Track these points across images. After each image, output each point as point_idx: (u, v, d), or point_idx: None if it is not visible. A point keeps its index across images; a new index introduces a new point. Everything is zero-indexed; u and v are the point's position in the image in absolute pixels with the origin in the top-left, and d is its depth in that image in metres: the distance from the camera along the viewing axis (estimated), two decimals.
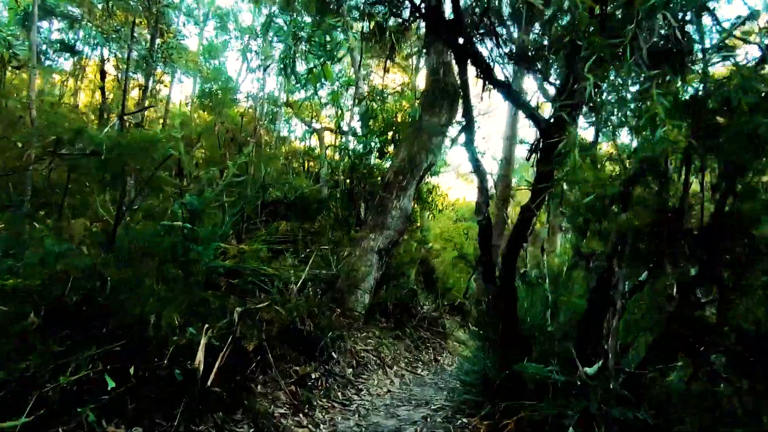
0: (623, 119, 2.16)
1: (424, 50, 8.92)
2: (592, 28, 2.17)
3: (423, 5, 3.71)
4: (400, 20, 4.34)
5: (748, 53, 2.80)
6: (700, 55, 2.89)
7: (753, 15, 2.64)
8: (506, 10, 3.30)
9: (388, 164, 10.18)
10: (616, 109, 2.16)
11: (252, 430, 3.85)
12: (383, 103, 11.05)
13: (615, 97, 2.09)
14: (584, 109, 3.44)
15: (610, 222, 2.55)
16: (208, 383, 3.81)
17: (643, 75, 2.02)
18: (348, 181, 11.19)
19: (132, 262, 4.16)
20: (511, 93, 3.50)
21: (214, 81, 16.66)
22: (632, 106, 2.10)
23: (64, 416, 2.68)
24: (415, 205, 10.13)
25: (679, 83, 2.60)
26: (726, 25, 2.85)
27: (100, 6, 11.05)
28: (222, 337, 4.24)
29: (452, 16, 3.45)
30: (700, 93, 2.12)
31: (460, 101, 8.56)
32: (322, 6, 4.17)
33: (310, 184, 11.84)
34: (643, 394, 3.58)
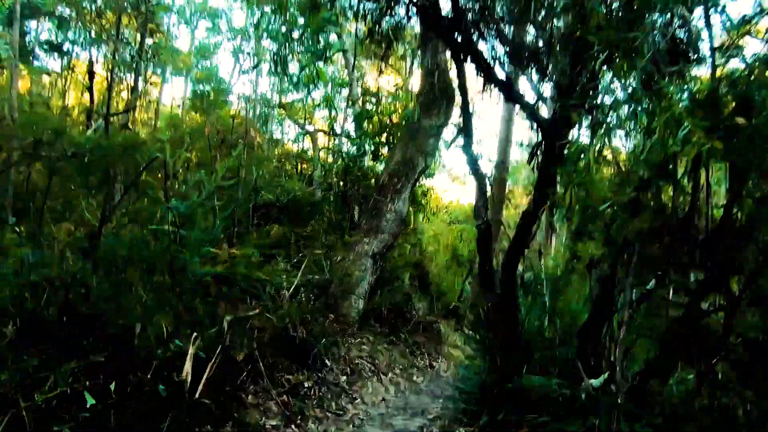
0: (635, 118, 2.04)
1: (419, 51, 8.80)
2: (604, 23, 2.05)
3: (419, 1, 3.58)
4: (394, 20, 4.20)
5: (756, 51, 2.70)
6: (703, 53, 2.80)
7: (763, 11, 2.54)
8: (507, 5, 3.17)
9: (382, 167, 10.04)
10: (626, 108, 2.04)
11: None
12: (377, 104, 10.92)
13: (626, 95, 1.97)
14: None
15: (619, 228, 2.43)
16: (197, 395, 3.65)
17: (660, 71, 1.91)
18: (341, 183, 11.03)
19: (117, 269, 3.98)
20: (513, 93, 3.38)
21: (206, 82, 16.47)
22: (644, 104, 1.98)
23: None
24: (410, 208, 9.99)
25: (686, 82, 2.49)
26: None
27: (88, 5, 10.84)
28: (211, 346, 4.08)
29: (451, 13, 3.34)
30: (721, 90, 2.01)
31: (457, 102, 8.50)
32: (314, 4, 4.03)
33: (303, 187, 11.66)
34: (647, 405, 3.47)
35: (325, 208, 10.66)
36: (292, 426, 4.35)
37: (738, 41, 2.61)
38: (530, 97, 3.37)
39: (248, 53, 16.09)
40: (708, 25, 2.66)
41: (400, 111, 10.94)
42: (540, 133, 3.21)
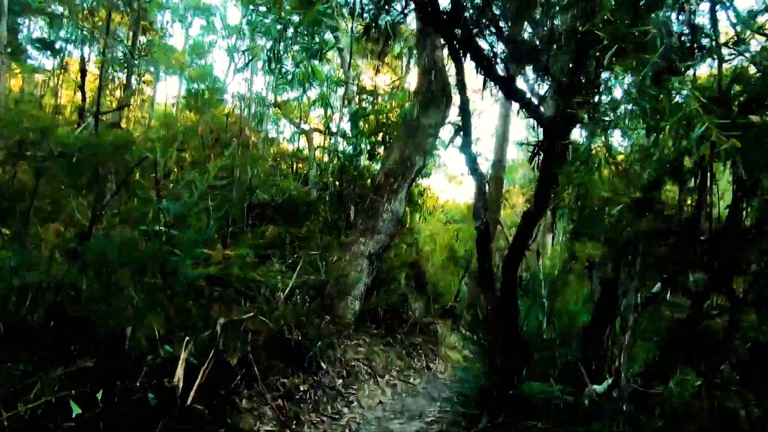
0: (644, 116, 1.96)
1: (417, 48, 8.70)
2: (614, 16, 1.96)
3: None
4: (391, 16, 4.10)
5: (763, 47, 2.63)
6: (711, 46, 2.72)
7: None
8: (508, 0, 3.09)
9: (378, 166, 9.95)
10: (634, 105, 1.96)
11: None
12: (374, 103, 10.83)
13: (636, 91, 1.89)
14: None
15: (625, 229, 2.35)
16: (189, 401, 3.56)
17: (671, 66, 1.84)
18: (337, 183, 10.93)
19: (107, 271, 3.88)
20: (514, 89, 3.29)
21: (201, 81, 16.32)
22: (653, 101, 1.90)
23: None
24: (406, 208, 9.90)
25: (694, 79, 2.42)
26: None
27: (80, 2, 10.68)
28: (204, 350, 3.99)
29: (450, 8, 3.25)
30: (736, 87, 1.94)
31: (454, 101, 8.42)
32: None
33: (299, 187, 11.55)
34: (648, 408, 3.40)
35: (320, 208, 10.55)
36: (288, 431, 4.26)
37: (749, 38, 2.54)
38: (531, 95, 3.30)
39: (243, 51, 15.94)
40: (714, 20, 2.59)
41: (397, 110, 10.85)
42: (541, 132, 3.14)
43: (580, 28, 2.23)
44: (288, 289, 5.90)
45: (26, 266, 3.28)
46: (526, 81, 3.29)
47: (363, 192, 10.06)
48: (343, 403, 5.22)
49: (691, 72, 2.75)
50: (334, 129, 13.37)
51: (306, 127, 16.56)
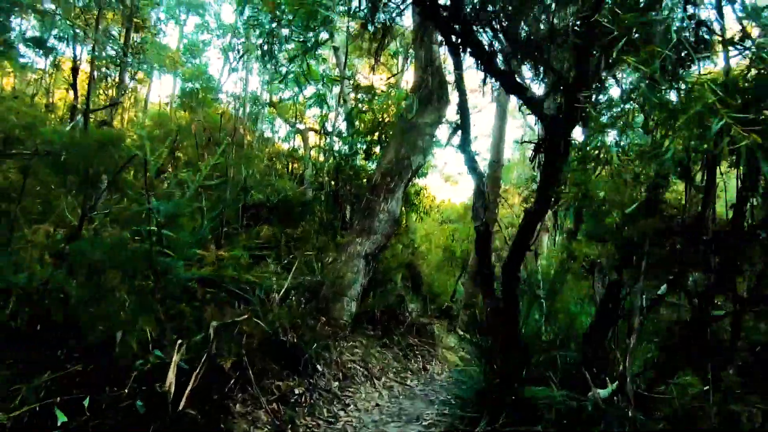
0: (656, 110, 1.89)
1: (414, 46, 8.62)
2: (620, 8, 1.89)
3: None
4: (389, 10, 4.01)
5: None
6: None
7: None
8: None
9: (374, 166, 9.87)
10: (644, 100, 1.89)
11: None
12: (370, 101, 10.74)
13: (645, 85, 1.82)
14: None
15: (631, 229, 2.28)
16: (180, 406, 3.46)
17: (682, 59, 1.77)
18: (333, 183, 10.84)
19: (96, 273, 3.78)
20: (515, 85, 3.21)
21: (195, 80, 16.17)
22: (665, 96, 1.83)
23: None
24: (402, 208, 9.83)
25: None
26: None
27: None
28: (197, 353, 3.89)
29: (449, 2, 3.16)
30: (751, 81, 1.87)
31: (452, 99, 8.35)
32: None
33: (294, 187, 11.45)
34: (650, 411, 3.34)
35: (316, 208, 10.45)
36: None
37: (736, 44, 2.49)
38: (532, 92, 3.22)
39: (237, 47, 15.78)
40: (720, 14, 2.53)
41: (393, 108, 10.78)
42: (541, 129, 3.06)
43: (587, 20, 2.15)
44: (283, 290, 5.80)
45: (11, 268, 3.18)
46: (533, 74, 3.22)
47: (359, 192, 9.99)
48: (340, 406, 5.13)
49: (695, 67, 2.69)
50: (329, 128, 13.28)
51: (301, 126, 16.46)
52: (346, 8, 6.64)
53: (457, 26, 3.18)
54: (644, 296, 2.63)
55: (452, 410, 5.11)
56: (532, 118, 14.03)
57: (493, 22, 3.06)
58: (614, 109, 2.48)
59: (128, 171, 6.54)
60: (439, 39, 8.23)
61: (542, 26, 2.95)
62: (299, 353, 5.17)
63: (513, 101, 13.43)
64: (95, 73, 11.52)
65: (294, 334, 5.30)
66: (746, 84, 1.79)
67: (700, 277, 3.23)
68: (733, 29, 2.68)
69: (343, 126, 11.82)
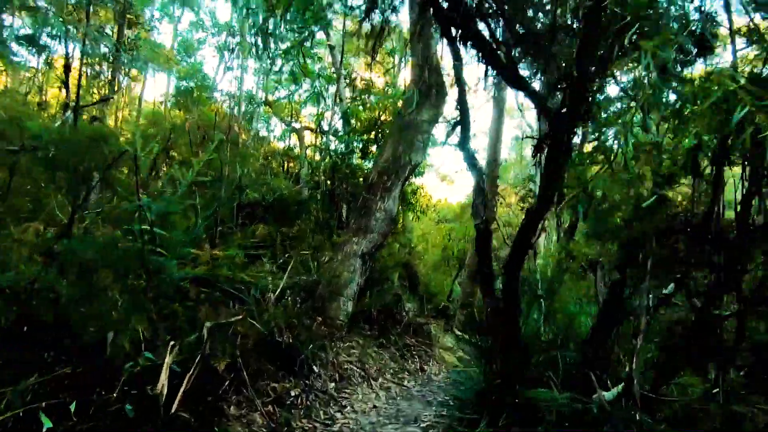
0: (667, 101, 1.82)
1: (411, 42, 8.53)
2: None
3: None
4: (384, 4, 3.93)
5: None
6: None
7: None
8: None
9: (370, 164, 9.80)
10: (658, 89, 1.82)
11: None
12: (366, 99, 10.67)
13: (657, 75, 1.75)
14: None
15: (638, 227, 2.21)
16: (173, 409, 3.37)
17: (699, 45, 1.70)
18: (329, 182, 10.75)
19: (87, 272, 3.68)
20: (518, 78, 3.12)
21: (190, 78, 16.04)
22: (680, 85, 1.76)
23: None
24: (399, 207, 9.75)
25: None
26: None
27: None
28: (191, 354, 3.81)
29: None
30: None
31: (449, 94, 8.27)
32: None
33: (290, 186, 11.35)
34: (656, 413, 3.28)
35: (312, 207, 10.36)
36: None
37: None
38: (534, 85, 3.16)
39: (232, 45, 15.63)
40: (727, 8, 2.47)
41: (389, 107, 10.71)
42: (548, 125, 2.98)
43: (592, 8, 2.07)
44: (279, 290, 5.72)
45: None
46: (535, 67, 3.14)
47: (355, 191, 9.91)
48: (336, 407, 5.05)
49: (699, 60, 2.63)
50: (325, 127, 13.19)
51: (297, 125, 16.35)
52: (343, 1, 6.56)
53: (457, 17, 3.09)
54: (650, 296, 2.57)
55: (450, 411, 5.04)
56: (530, 117, 13.98)
57: (495, 13, 2.99)
58: (622, 102, 2.40)
59: (122, 170, 6.44)
60: (436, 37, 8.16)
61: (545, 17, 2.89)
62: (295, 354, 5.09)
63: (510, 100, 13.41)
64: (88, 70, 11.39)
65: (290, 335, 5.23)
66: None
67: (702, 276, 3.17)
68: (737, 23, 2.63)
69: (339, 124, 11.74)
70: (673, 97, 1.88)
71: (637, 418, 2.43)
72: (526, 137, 11.60)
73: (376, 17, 5.44)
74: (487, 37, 3.15)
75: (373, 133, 10.55)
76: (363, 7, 4.85)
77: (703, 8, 2.53)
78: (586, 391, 3.25)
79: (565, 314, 5.05)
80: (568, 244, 8.07)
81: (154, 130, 11.60)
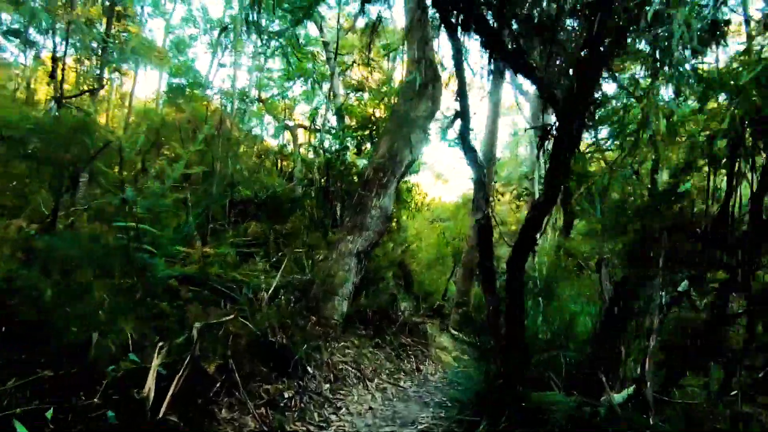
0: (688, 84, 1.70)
1: (405, 41, 8.41)
2: None
3: None
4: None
5: None
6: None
7: None
8: None
9: (365, 162, 9.65)
10: (676, 74, 1.70)
11: None
12: (361, 97, 10.54)
13: (678, 56, 1.63)
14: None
15: (648, 222, 2.10)
16: (161, 413, 3.22)
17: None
18: (323, 179, 10.59)
19: (70, 270, 3.52)
20: (524, 65, 2.99)
21: (182, 75, 15.85)
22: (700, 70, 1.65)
23: None
24: (394, 205, 9.63)
25: None
26: None
27: None
28: (180, 355, 3.66)
29: None
30: None
31: (446, 88, 8.16)
32: None
33: (283, 183, 11.19)
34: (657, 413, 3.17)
35: (306, 205, 10.21)
36: None
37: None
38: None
39: (225, 46, 15.45)
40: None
41: (384, 104, 10.58)
42: (554, 114, 2.85)
43: None
44: (272, 289, 5.57)
45: None
46: (540, 55, 3.01)
47: (350, 188, 9.77)
48: (331, 409, 4.91)
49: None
50: (319, 125, 13.04)
51: (290, 123, 16.19)
52: None
53: (459, 1, 2.95)
54: (663, 293, 2.45)
55: (449, 413, 4.92)
56: (527, 113, 13.88)
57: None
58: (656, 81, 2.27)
59: (113, 166, 6.27)
60: (431, 33, 8.04)
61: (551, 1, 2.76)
62: (288, 355, 4.95)
63: (505, 98, 13.33)
64: (77, 66, 11.16)
65: (283, 335, 5.08)
66: None
67: (712, 274, 3.06)
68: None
69: (333, 121, 11.59)
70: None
71: (651, 422, 2.31)
72: (530, 128, 11.43)
73: (373, 10, 5.29)
74: (491, 22, 3.03)
75: (368, 129, 10.41)
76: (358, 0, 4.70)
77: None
78: (588, 392, 3.13)
79: (567, 313, 4.95)
80: (564, 241, 7.95)
81: (144, 126, 11.40)
